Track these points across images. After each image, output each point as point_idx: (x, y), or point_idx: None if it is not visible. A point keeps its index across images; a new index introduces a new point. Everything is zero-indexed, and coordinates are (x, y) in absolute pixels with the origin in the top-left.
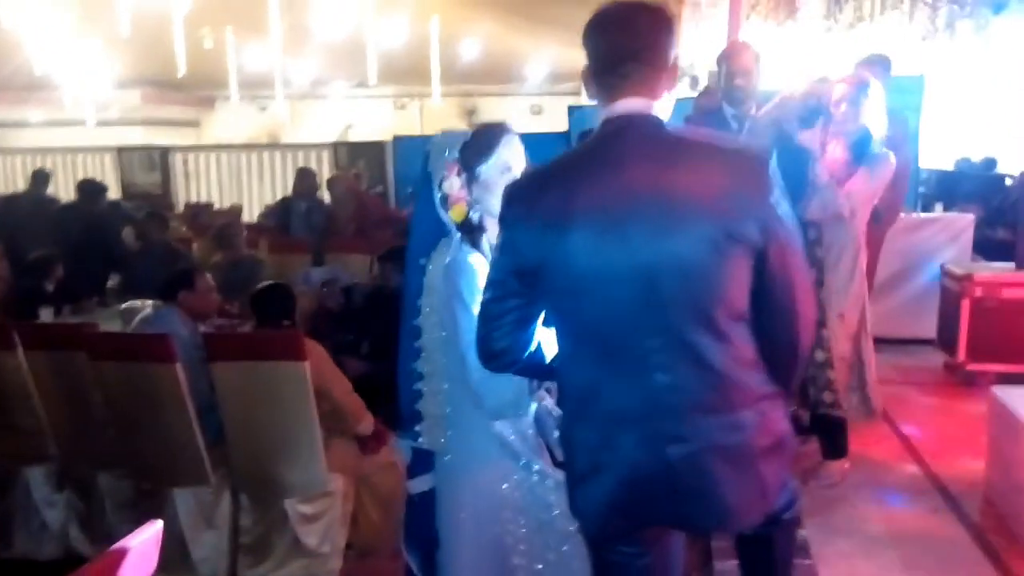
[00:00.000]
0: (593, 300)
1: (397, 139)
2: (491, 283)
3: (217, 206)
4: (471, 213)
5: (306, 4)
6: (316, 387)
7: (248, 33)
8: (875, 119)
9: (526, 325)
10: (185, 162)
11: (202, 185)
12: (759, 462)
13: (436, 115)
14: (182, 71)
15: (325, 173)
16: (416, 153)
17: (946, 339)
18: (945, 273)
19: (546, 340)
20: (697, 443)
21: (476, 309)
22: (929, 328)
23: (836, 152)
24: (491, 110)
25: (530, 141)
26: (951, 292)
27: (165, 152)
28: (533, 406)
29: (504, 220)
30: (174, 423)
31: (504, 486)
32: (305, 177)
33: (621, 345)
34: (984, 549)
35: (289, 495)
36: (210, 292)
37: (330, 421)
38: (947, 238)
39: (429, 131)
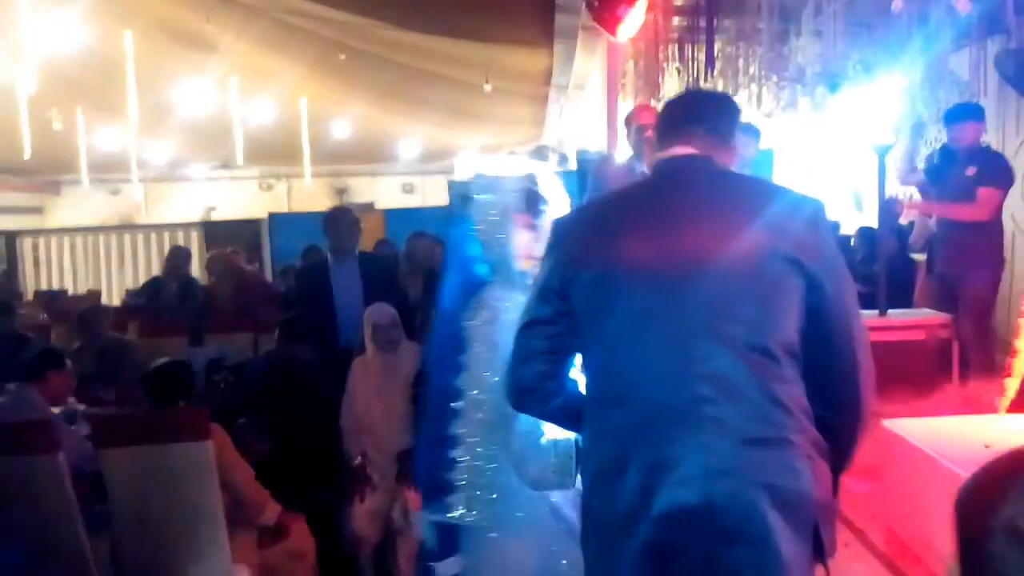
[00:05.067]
0: (629, 334)
1: (273, 216)
2: (527, 316)
3: (71, 292)
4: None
5: (165, 83)
6: (218, 475)
7: (100, 113)
8: None
9: (560, 362)
10: (35, 247)
11: (53, 271)
12: (817, 515)
13: (306, 195)
14: (28, 154)
15: (194, 253)
16: (294, 230)
17: None
18: None
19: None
20: (746, 478)
21: None
22: None
23: None
24: (362, 189)
25: (409, 216)
26: None
27: (12, 237)
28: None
29: (549, 252)
30: (53, 517)
31: (563, 562)
32: (177, 256)
33: (659, 380)
34: (895, 574)
35: None
36: (72, 375)
37: (231, 511)
38: None
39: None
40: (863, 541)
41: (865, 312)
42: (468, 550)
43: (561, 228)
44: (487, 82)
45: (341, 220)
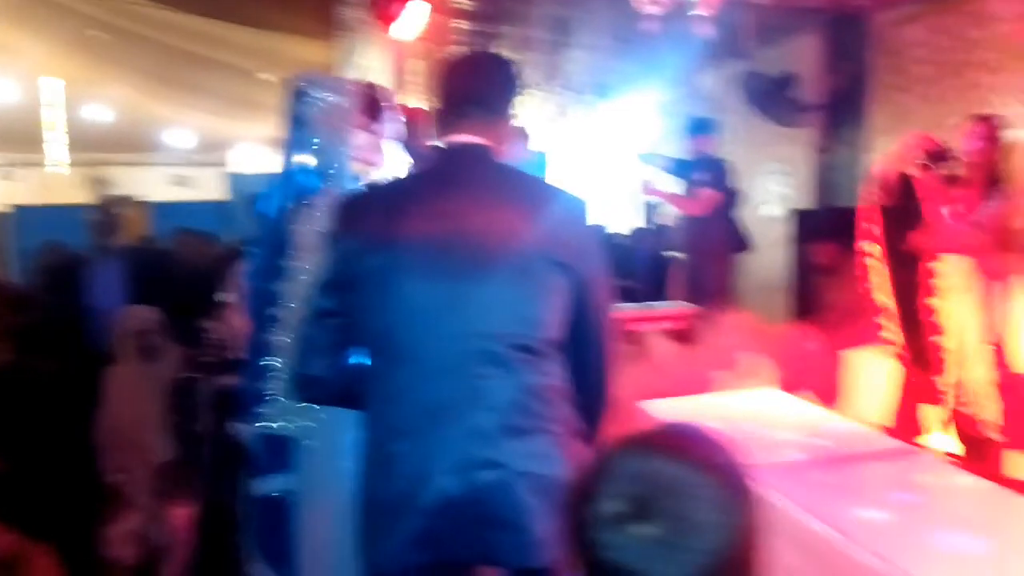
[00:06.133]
0: (410, 324)
1: (20, 209)
2: (311, 307)
3: None
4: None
5: None
6: None
7: None
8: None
9: (343, 351)
10: None
11: None
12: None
13: (59, 186)
14: None
15: None
16: (45, 225)
17: None
18: None
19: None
20: (509, 468)
21: None
22: None
23: None
24: (126, 181)
25: (178, 210)
26: None
27: None
28: None
29: (332, 241)
30: None
31: None
32: None
33: (441, 366)
34: None
35: None
36: None
37: None
38: None
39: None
40: None
41: (629, 304)
42: (297, 464)
43: (343, 217)
44: (265, 71)
45: (99, 214)
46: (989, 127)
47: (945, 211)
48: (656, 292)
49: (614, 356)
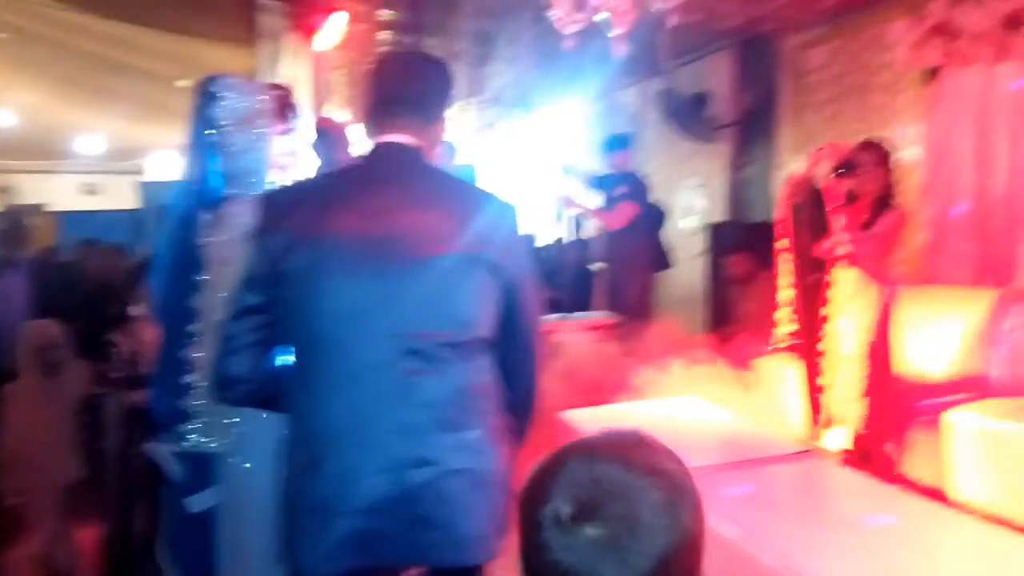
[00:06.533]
0: (338, 321)
1: None
2: (232, 301)
3: None
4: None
5: None
6: None
7: None
8: None
9: (266, 349)
10: None
11: None
12: (497, 490)
13: None
14: None
15: None
16: None
17: None
18: None
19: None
20: (441, 465)
21: None
22: None
23: None
24: (32, 189)
25: (86, 220)
26: None
27: None
28: None
29: (256, 237)
30: None
31: None
32: None
33: (370, 364)
34: None
35: None
36: None
37: None
38: None
39: None
40: None
41: (553, 315)
42: (222, 481)
43: (267, 213)
44: (183, 77)
45: (4, 224)
46: (879, 151)
47: (841, 221)
48: (580, 303)
49: (542, 357)
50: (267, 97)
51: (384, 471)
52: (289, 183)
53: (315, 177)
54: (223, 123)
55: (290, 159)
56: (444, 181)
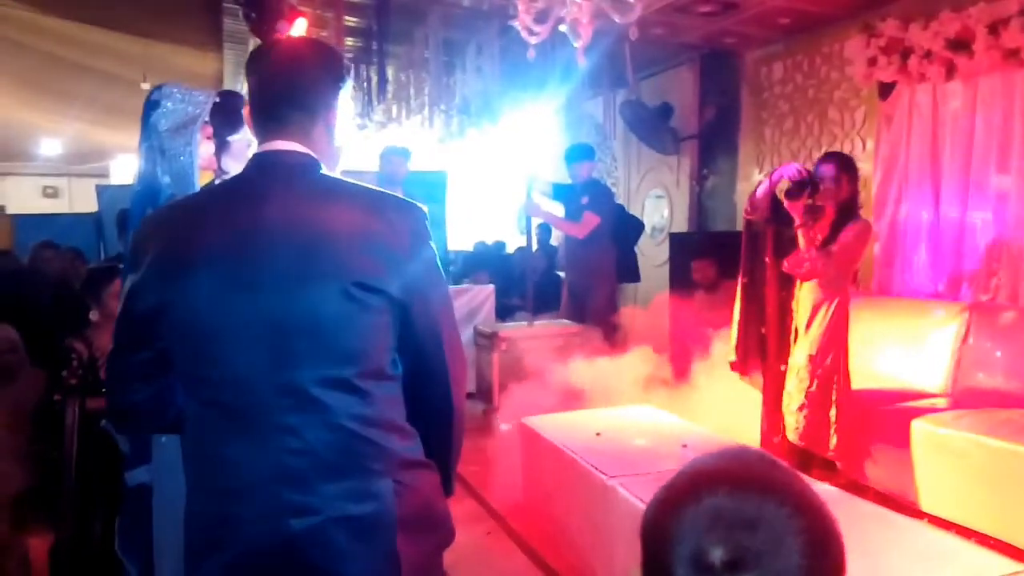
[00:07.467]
0: (217, 351)
1: None
2: (117, 333)
3: None
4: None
5: None
6: None
7: None
8: None
9: (157, 380)
10: None
11: None
12: (396, 536)
13: None
14: None
15: None
16: None
17: (483, 389)
18: (478, 334)
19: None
20: (323, 514)
21: None
22: (472, 384)
23: None
24: None
25: (45, 223)
26: (484, 349)
27: None
28: None
29: (130, 258)
30: None
31: None
32: None
33: (247, 403)
34: (527, 554)
35: None
36: None
37: None
38: (476, 306)
39: None
40: (505, 528)
41: (517, 321)
42: (156, 457)
43: (136, 242)
44: (145, 79)
45: None
46: (841, 161)
47: (800, 237)
48: (545, 310)
49: (458, 374)
50: (208, 102)
51: (265, 518)
52: (173, 200)
53: (194, 195)
54: (163, 129)
55: (236, 165)
56: (334, 194)
